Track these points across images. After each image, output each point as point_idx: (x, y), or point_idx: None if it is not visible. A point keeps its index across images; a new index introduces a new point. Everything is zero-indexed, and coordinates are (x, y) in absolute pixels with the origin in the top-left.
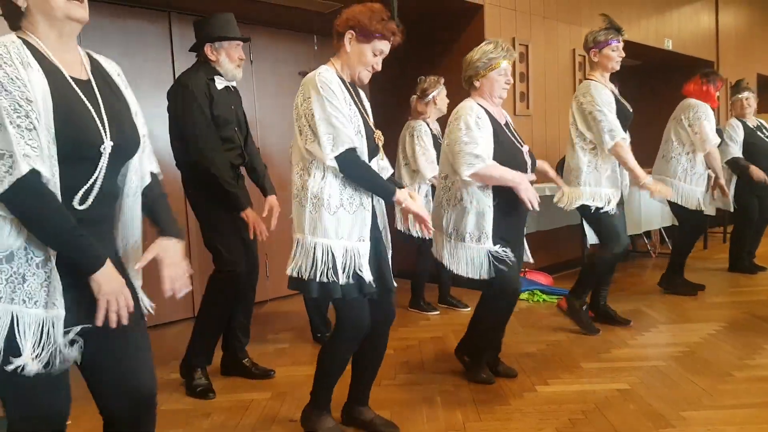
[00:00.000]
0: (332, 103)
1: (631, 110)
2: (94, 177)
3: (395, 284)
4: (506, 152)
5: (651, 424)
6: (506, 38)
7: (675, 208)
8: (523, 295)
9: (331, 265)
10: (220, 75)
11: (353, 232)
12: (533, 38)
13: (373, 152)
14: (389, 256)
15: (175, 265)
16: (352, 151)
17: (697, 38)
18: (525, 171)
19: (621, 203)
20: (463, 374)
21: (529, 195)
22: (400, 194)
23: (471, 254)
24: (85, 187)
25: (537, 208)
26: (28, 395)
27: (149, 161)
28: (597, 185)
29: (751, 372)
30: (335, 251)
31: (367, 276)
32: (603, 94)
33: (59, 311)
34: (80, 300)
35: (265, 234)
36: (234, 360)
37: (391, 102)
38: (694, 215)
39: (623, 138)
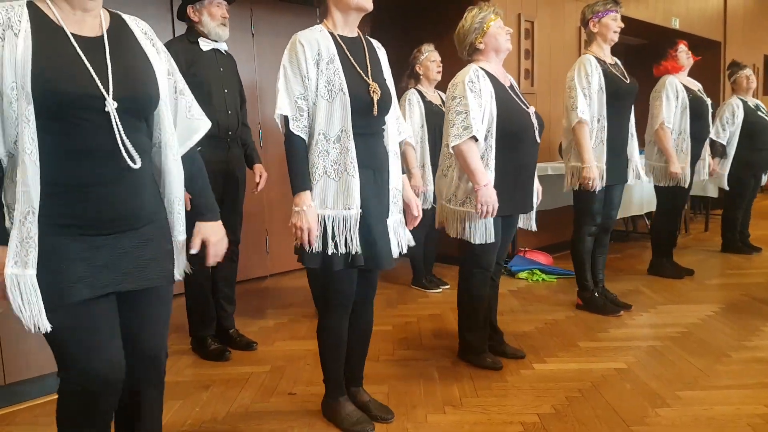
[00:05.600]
0: (284, 66)
1: (628, 83)
2: (116, 134)
3: (391, 262)
4: (511, 112)
5: (647, 403)
6: (511, 15)
7: (657, 189)
8: (523, 274)
9: (320, 235)
10: (206, 37)
11: (338, 199)
12: (539, 15)
13: (366, 108)
14: (403, 230)
15: (219, 242)
16: (285, 119)
17: (705, 18)
18: (532, 132)
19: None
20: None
21: (487, 205)
22: (299, 198)
23: (466, 220)
24: (110, 146)
25: (484, 217)
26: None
27: (189, 124)
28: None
29: (748, 353)
30: (323, 220)
31: (354, 247)
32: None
33: (29, 271)
34: (91, 266)
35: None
36: (219, 329)
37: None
38: (672, 196)
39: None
